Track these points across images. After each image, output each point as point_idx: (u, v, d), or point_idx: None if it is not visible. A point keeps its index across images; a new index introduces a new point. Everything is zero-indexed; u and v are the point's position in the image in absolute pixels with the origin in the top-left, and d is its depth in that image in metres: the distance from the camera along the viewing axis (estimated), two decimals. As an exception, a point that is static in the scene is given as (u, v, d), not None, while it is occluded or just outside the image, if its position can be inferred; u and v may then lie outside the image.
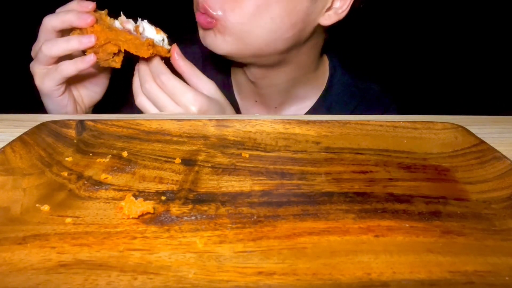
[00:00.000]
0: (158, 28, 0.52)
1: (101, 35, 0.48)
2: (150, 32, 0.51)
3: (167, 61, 0.53)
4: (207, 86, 0.53)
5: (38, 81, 0.52)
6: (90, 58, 0.48)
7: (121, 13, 0.50)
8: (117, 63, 0.50)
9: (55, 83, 0.50)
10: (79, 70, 0.49)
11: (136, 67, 0.54)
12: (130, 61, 0.53)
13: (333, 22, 0.57)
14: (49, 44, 0.48)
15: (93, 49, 0.48)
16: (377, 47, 1.67)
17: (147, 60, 0.52)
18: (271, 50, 0.57)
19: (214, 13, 0.54)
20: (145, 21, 0.52)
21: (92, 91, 0.57)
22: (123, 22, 0.50)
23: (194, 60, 0.71)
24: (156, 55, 0.51)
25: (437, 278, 0.23)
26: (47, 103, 0.54)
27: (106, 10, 0.50)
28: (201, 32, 0.58)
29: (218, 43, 0.56)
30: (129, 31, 0.49)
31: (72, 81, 0.56)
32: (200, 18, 0.55)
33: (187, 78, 0.52)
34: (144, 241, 0.26)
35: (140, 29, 0.50)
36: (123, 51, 0.49)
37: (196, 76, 0.53)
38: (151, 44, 0.49)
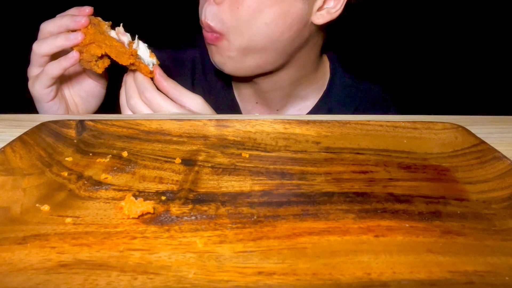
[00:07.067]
0: (153, 53, 0.52)
1: (88, 36, 0.48)
2: (144, 52, 0.51)
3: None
4: (194, 102, 0.52)
5: (29, 85, 0.52)
6: (73, 55, 0.48)
7: (121, 24, 0.51)
8: (99, 68, 0.50)
9: (44, 86, 0.51)
10: (63, 69, 0.49)
11: (124, 79, 0.54)
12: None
13: (326, 21, 0.58)
14: (38, 43, 0.50)
15: (78, 47, 0.48)
16: (377, 47, 1.67)
17: (134, 72, 0.52)
18: (272, 54, 0.58)
19: (218, 29, 0.56)
20: (145, 44, 0.52)
21: (88, 101, 0.57)
22: (119, 33, 0.50)
23: (194, 64, 0.72)
24: (137, 71, 0.51)
25: (437, 278, 0.23)
26: (38, 108, 0.55)
27: (110, 22, 0.51)
28: (209, 51, 0.61)
29: (224, 61, 0.59)
30: (119, 41, 0.49)
31: (66, 88, 0.56)
32: (206, 35, 0.58)
33: (173, 97, 0.52)
34: (144, 241, 0.26)
35: (134, 45, 0.50)
36: (104, 53, 0.48)
37: (181, 94, 0.52)
38: (134, 54, 0.49)
